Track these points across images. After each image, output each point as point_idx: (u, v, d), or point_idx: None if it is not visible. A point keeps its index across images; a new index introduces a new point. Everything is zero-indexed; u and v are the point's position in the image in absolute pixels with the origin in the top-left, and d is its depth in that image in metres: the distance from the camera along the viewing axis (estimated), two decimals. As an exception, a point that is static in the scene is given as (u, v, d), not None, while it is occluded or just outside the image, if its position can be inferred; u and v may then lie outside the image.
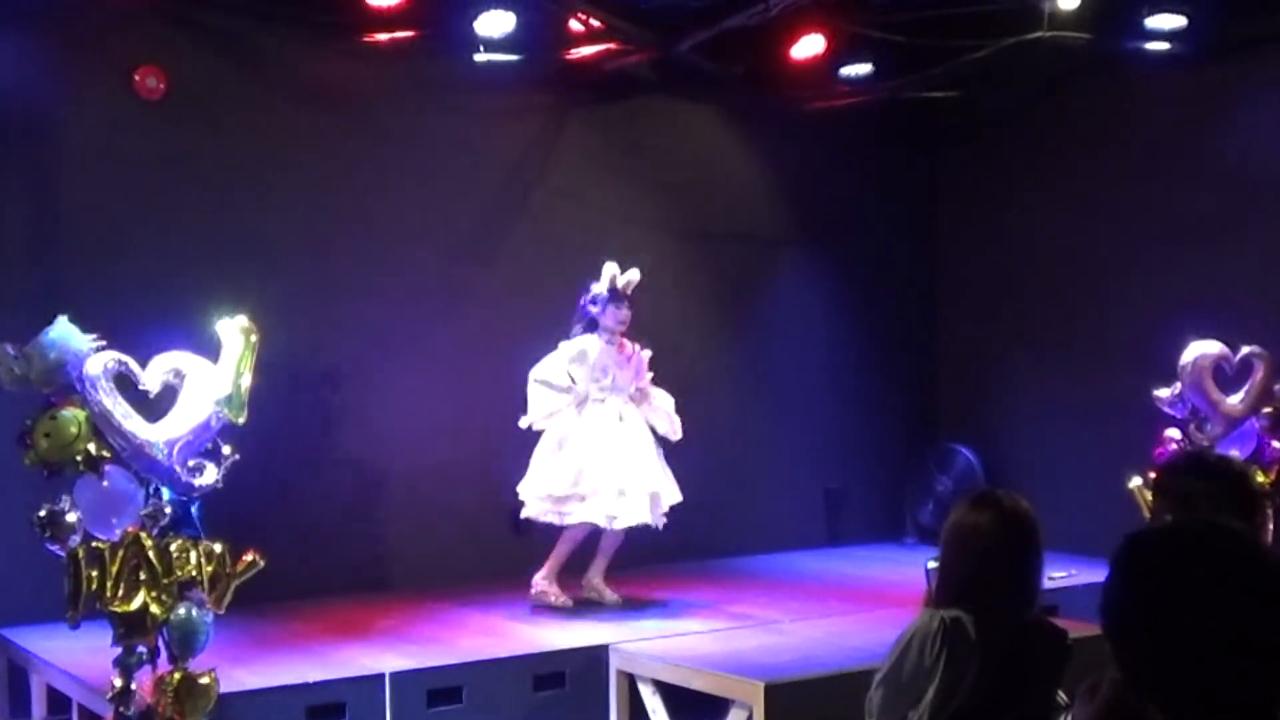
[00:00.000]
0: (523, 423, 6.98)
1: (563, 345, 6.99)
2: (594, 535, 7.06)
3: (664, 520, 6.99)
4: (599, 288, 6.99)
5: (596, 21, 7.72)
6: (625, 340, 7.05)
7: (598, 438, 6.88)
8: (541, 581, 7.04)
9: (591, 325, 7.02)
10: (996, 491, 3.71)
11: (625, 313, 6.97)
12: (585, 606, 7.08)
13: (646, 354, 7.14)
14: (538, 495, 6.91)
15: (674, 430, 7.13)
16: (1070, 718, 3.34)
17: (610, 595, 7.08)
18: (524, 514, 6.95)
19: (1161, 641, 1.76)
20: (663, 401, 7.16)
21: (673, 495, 7.02)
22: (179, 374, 4.74)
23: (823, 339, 9.44)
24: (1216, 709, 1.74)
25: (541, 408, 6.97)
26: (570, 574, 7.15)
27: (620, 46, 8.00)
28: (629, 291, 7.00)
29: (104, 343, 4.60)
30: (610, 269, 6.97)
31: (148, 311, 6.06)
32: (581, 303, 7.04)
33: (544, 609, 6.97)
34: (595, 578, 7.13)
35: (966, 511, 3.61)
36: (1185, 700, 1.75)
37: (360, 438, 7.73)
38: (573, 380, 6.95)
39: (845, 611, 7.00)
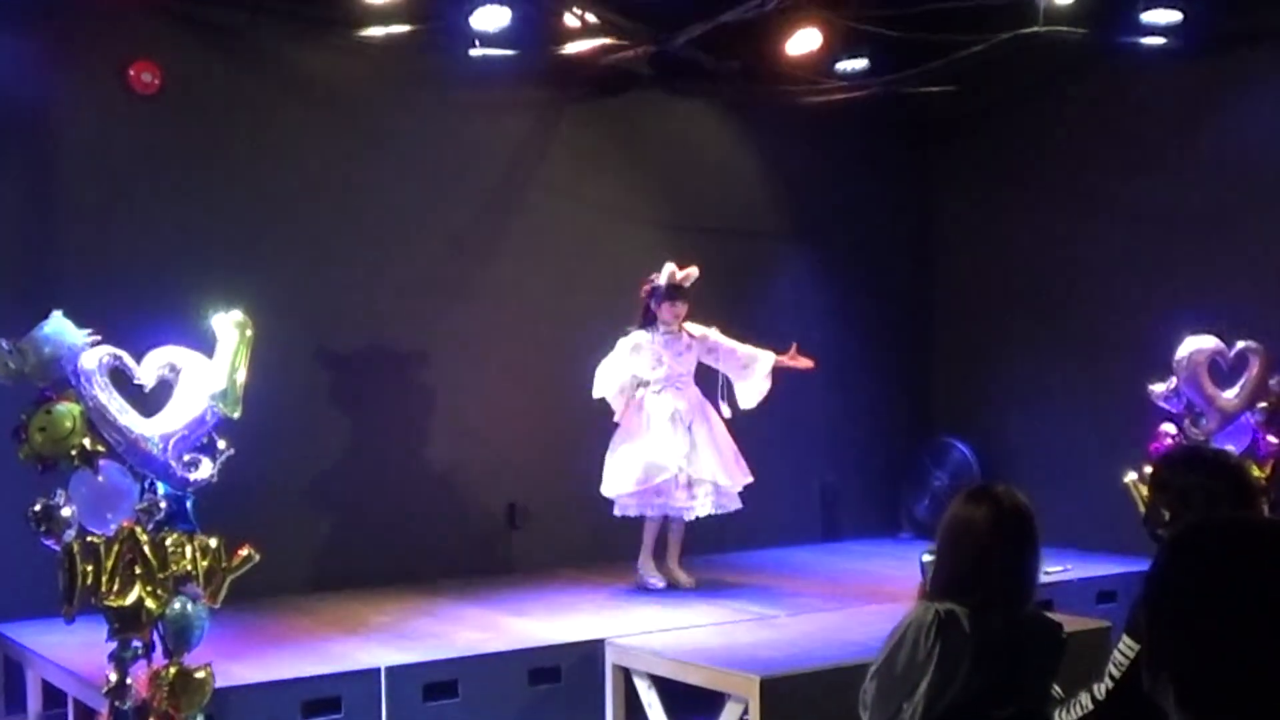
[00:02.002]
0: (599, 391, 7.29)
1: (620, 342, 7.28)
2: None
3: (738, 504, 7.35)
4: (658, 281, 7.27)
5: (592, 16, 7.71)
6: (687, 331, 7.32)
7: (659, 433, 7.19)
8: (640, 567, 7.38)
9: (649, 317, 7.29)
10: (995, 485, 3.71)
11: (680, 307, 7.27)
12: (585, 599, 7.12)
13: (710, 331, 7.40)
14: (617, 492, 7.23)
15: (750, 397, 7.43)
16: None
17: (684, 579, 7.40)
18: (616, 511, 7.30)
19: (1201, 629, 1.74)
20: (760, 365, 7.42)
21: (739, 478, 7.33)
22: (174, 369, 4.73)
23: (818, 333, 9.41)
24: (1235, 707, 1.72)
25: (612, 392, 7.28)
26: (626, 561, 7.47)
27: (616, 41, 7.99)
28: (686, 285, 7.27)
29: (99, 337, 4.59)
30: (669, 266, 7.25)
31: (143, 306, 6.06)
32: (643, 295, 7.31)
33: (644, 589, 7.32)
34: (670, 563, 7.44)
35: (964, 505, 3.61)
36: (1206, 695, 1.74)
37: (355, 432, 7.73)
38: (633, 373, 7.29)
39: (841, 606, 7.00)
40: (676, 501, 7.21)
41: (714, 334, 7.43)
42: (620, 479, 7.22)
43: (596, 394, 7.28)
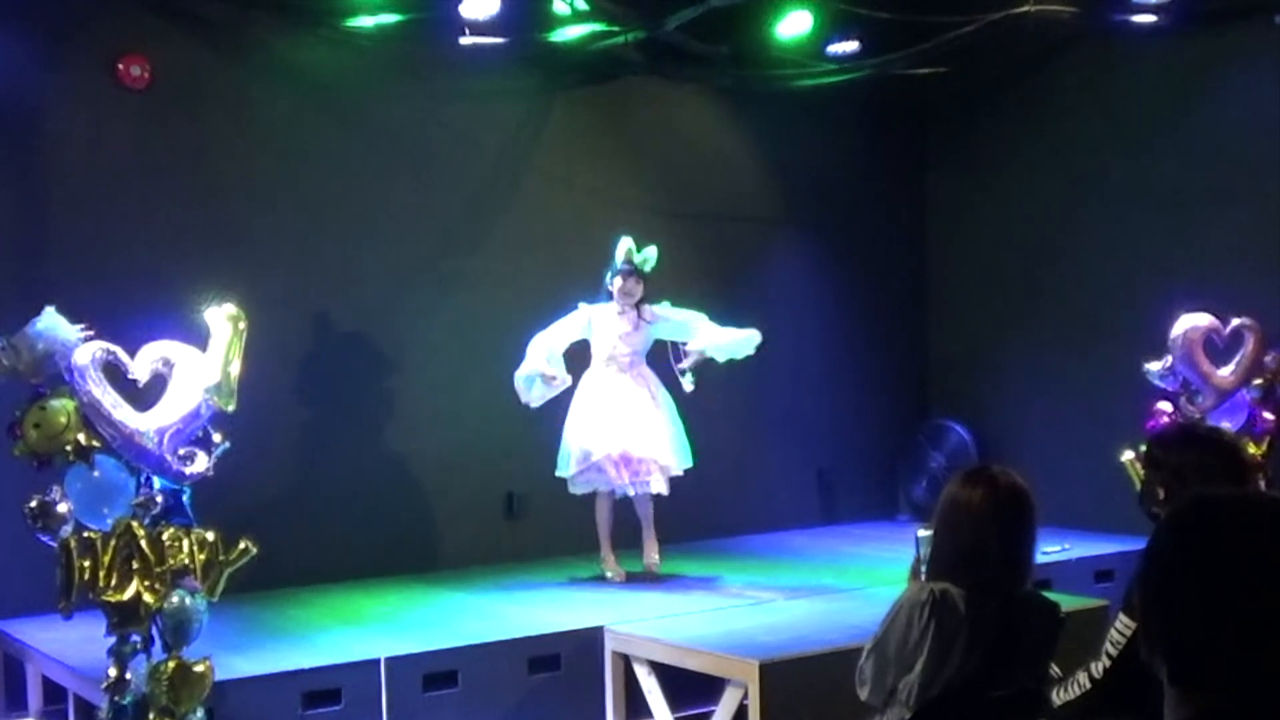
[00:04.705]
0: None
1: (581, 306, 7.26)
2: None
3: (665, 489, 7.21)
4: (615, 261, 7.24)
5: (581, 2, 7.69)
6: (641, 311, 7.25)
7: (601, 410, 7.14)
8: (602, 560, 7.33)
9: (607, 294, 7.28)
10: (991, 467, 3.71)
11: (631, 285, 7.21)
12: (584, 587, 7.16)
13: (658, 307, 7.32)
14: (566, 474, 7.21)
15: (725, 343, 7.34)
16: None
17: (651, 560, 7.38)
18: (572, 489, 7.27)
19: (1196, 606, 1.74)
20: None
21: (681, 461, 7.24)
22: (168, 363, 4.73)
23: (814, 317, 9.44)
24: (1227, 682, 1.72)
25: (523, 387, 7.20)
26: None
27: (605, 27, 7.98)
28: (645, 268, 7.23)
29: (92, 333, 4.58)
30: (624, 243, 7.22)
31: (135, 301, 6.06)
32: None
33: (602, 581, 7.26)
34: (647, 547, 7.40)
35: (960, 486, 3.61)
36: (1199, 670, 1.74)
37: (351, 423, 7.73)
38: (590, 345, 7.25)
39: (839, 589, 7.02)
40: (618, 479, 7.11)
41: (663, 308, 7.33)
42: (566, 460, 7.20)
43: (523, 370, 7.15)
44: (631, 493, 7.20)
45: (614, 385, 7.20)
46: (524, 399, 7.21)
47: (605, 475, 7.14)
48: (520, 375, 7.17)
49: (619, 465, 7.08)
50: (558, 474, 7.25)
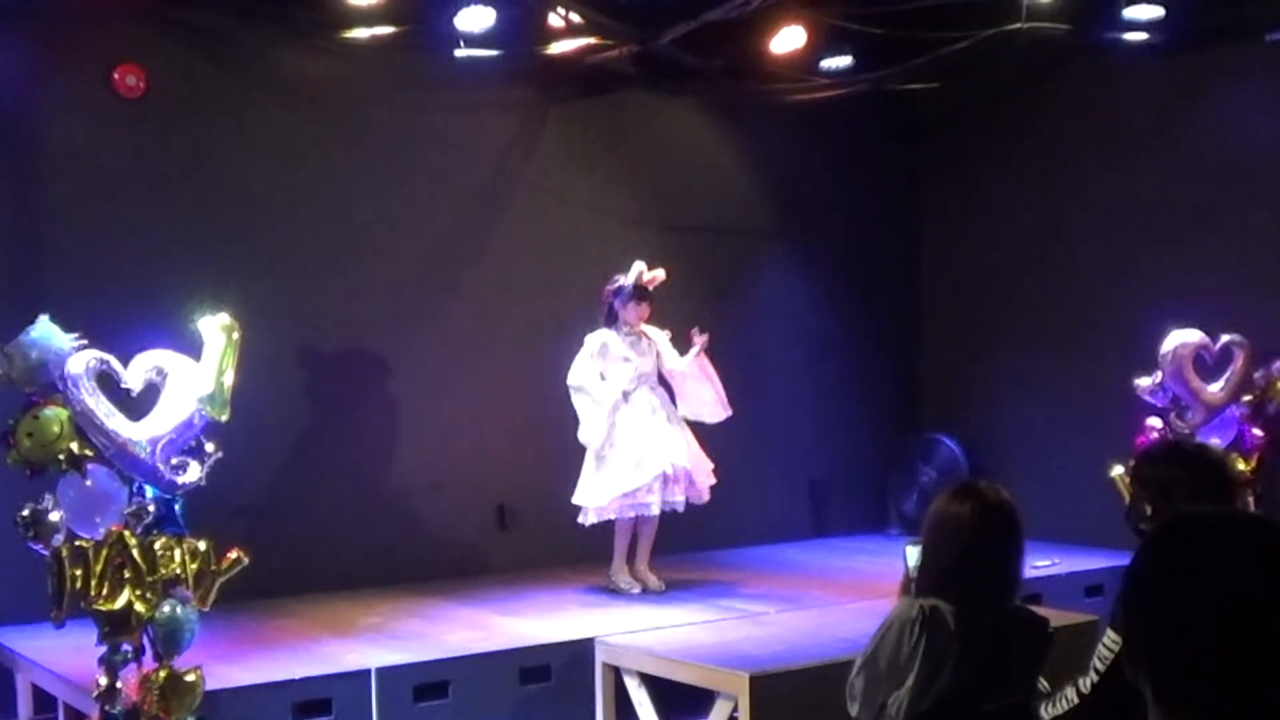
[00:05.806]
0: (586, 441, 7.18)
1: (587, 340, 7.22)
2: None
3: (705, 498, 7.33)
4: (624, 281, 7.22)
5: (576, 16, 7.72)
6: (644, 333, 7.29)
7: (635, 435, 7.13)
8: (613, 574, 7.30)
9: (612, 317, 7.24)
10: (978, 482, 3.73)
11: (645, 309, 7.24)
12: (574, 598, 7.14)
13: (664, 335, 7.36)
14: (592, 500, 7.16)
15: (716, 410, 7.43)
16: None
17: (654, 581, 7.33)
18: (585, 520, 7.21)
19: (1177, 624, 1.75)
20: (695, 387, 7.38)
21: (708, 478, 7.33)
22: (161, 372, 4.73)
23: (806, 331, 9.46)
24: (1210, 699, 1.74)
25: (594, 422, 7.17)
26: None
27: (600, 41, 8.00)
28: (652, 288, 7.24)
29: (85, 342, 4.59)
30: (638, 266, 7.22)
31: (129, 310, 6.06)
32: (605, 294, 7.25)
33: (617, 594, 7.23)
34: (641, 565, 7.37)
35: (948, 501, 3.62)
36: (1183, 687, 1.75)
37: (343, 434, 7.73)
38: (603, 377, 7.20)
39: (830, 602, 7.03)
40: (671, 496, 7.12)
41: (663, 341, 7.35)
42: (608, 486, 7.11)
43: (591, 437, 7.15)
44: (674, 509, 7.21)
45: (648, 405, 7.21)
46: (599, 429, 7.14)
47: (653, 496, 7.09)
48: (599, 409, 7.15)
49: (673, 481, 7.10)
50: (586, 502, 7.18)
